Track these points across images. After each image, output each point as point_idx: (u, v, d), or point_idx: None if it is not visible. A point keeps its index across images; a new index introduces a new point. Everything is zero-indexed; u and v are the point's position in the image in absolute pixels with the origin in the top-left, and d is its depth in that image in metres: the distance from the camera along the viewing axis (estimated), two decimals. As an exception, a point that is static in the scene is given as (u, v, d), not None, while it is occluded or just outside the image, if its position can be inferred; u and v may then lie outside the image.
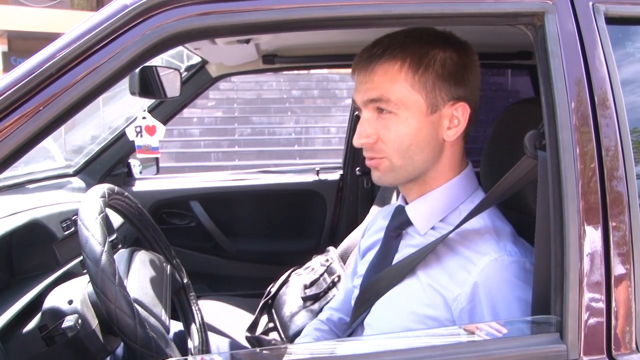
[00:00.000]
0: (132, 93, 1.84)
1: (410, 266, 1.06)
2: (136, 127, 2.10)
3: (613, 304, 0.88)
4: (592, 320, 0.88)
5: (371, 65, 1.04)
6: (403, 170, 1.07)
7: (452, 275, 1.01)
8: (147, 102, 2.26)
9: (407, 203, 1.14)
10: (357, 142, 1.07)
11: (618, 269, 0.89)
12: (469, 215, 1.02)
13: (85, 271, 1.05)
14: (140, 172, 2.68)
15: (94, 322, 1.10)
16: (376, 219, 1.33)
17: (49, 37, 0.91)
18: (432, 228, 1.09)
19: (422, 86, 1.03)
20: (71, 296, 1.11)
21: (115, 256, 1.24)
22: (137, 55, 0.88)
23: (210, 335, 1.60)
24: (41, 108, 0.85)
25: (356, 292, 1.22)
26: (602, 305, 0.88)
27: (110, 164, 2.42)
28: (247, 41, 1.77)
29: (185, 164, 9.56)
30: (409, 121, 1.03)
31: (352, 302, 1.23)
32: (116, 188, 1.28)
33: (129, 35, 0.87)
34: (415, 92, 1.03)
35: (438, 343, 0.91)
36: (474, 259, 1.00)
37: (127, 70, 0.89)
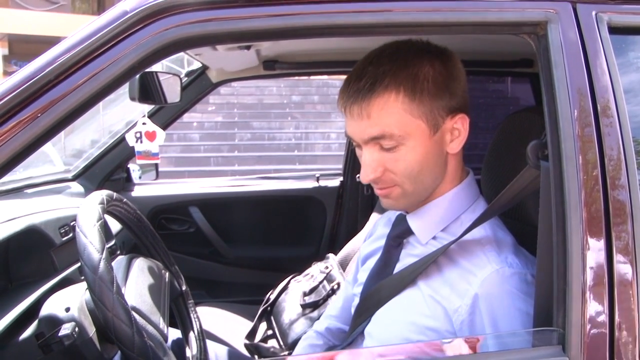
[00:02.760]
0: (132, 98, 1.84)
1: (412, 276, 1.05)
2: (136, 132, 2.09)
3: (617, 316, 0.87)
4: (595, 333, 0.86)
5: (365, 101, 0.99)
6: (416, 195, 1.06)
7: (453, 286, 1.00)
8: (147, 106, 2.25)
9: (407, 212, 1.13)
10: (365, 180, 1.03)
11: (622, 280, 0.88)
12: (471, 226, 1.01)
13: (82, 278, 1.04)
14: (140, 177, 2.68)
15: (91, 330, 1.09)
16: (377, 226, 1.33)
17: (50, 41, 0.90)
18: (434, 238, 1.09)
19: (421, 111, 0.99)
20: (68, 303, 1.10)
21: (113, 263, 1.23)
22: (136, 61, 0.87)
23: (209, 342, 1.59)
24: (39, 115, 0.84)
25: (356, 300, 1.22)
26: (605, 317, 0.87)
27: (109, 168, 2.41)
28: (248, 47, 1.77)
29: (185, 168, 9.55)
30: (416, 148, 1.00)
31: (352, 310, 1.22)
32: (115, 194, 1.27)
33: (129, 42, 0.86)
34: (416, 118, 0.99)
35: (438, 355, 0.90)
36: (475, 270, 0.99)
37: (127, 77, 0.88)
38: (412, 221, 1.11)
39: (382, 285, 1.12)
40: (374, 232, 1.33)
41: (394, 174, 1.02)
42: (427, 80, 1.00)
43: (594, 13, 0.96)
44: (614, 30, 0.96)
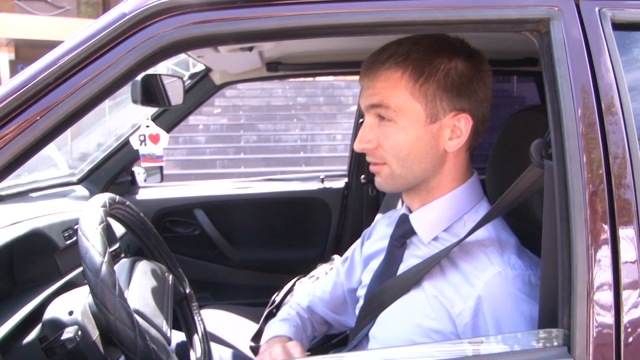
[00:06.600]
0: (135, 101, 1.83)
1: (416, 278, 1.05)
2: (140, 135, 2.10)
3: (623, 317, 0.86)
4: (601, 334, 0.85)
5: (375, 71, 1.05)
6: (402, 179, 1.07)
7: (457, 288, 0.99)
8: (152, 109, 2.25)
9: (411, 212, 1.13)
10: (357, 147, 1.08)
11: (628, 279, 0.87)
12: (475, 227, 1.00)
13: (86, 281, 1.04)
14: (145, 180, 2.68)
15: (95, 334, 1.08)
16: (378, 226, 1.32)
17: (56, 45, 0.90)
18: (435, 239, 1.08)
19: (422, 95, 1.02)
20: (72, 307, 1.10)
21: (116, 266, 1.23)
22: (135, 63, 0.87)
23: (214, 345, 1.58)
24: (38, 118, 0.84)
25: (361, 301, 1.21)
26: (611, 318, 0.86)
27: (114, 172, 2.42)
28: (250, 49, 1.76)
29: (191, 171, 9.58)
30: (407, 130, 1.03)
31: (356, 312, 1.22)
32: (117, 197, 1.27)
33: (128, 44, 0.86)
34: (415, 101, 1.02)
35: (442, 357, 0.89)
36: (478, 272, 0.98)
37: (126, 79, 0.88)
38: (415, 220, 1.10)
39: (386, 287, 1.11)
40: (374, 231, 1.33)
41: (384, 151, 1.05)
42: (438, 70, 1.03)
43: (597, 9, 0.94)
44: (617, 26, 0.95)
